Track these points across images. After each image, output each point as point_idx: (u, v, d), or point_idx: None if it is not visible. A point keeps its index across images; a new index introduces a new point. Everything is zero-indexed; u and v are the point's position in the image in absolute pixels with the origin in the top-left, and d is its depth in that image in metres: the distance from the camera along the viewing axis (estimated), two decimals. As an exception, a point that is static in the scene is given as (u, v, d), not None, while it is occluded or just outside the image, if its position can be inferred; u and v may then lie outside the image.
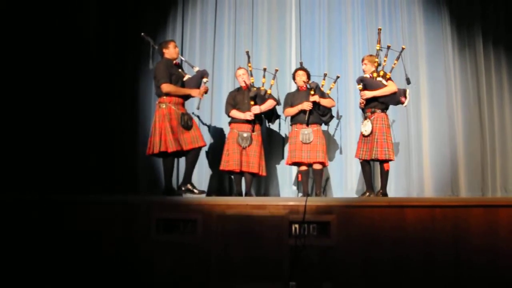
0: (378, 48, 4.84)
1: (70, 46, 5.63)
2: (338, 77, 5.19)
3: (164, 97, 4.46)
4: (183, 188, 4.52)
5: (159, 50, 4.64)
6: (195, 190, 4.53)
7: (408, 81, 4.83)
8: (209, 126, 5.90)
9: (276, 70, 5.17)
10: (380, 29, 4.97)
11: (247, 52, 5.22)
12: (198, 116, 5.70)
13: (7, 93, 5.13)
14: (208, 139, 5.79)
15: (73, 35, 5.67)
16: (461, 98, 5.92)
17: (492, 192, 5.68)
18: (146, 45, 4.86)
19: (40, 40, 5.43)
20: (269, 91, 5.03)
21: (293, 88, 5.35)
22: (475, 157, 5.79)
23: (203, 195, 4.74)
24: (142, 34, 4.84)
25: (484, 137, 5.80)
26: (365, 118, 4.77)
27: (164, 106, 4.43)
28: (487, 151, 5.76)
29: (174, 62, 4.66)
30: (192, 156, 4.55)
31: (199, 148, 4.58)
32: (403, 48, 4.96)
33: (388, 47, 4.89)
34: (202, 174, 5.80)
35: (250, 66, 5.15)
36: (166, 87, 4.42)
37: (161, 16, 6.10)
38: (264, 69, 5.14)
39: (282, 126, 5.44)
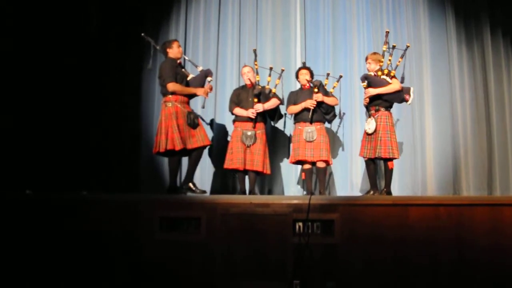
0: (384, 49, 4.82)
1: (72, 46, 5.63)
2: (341, 76, 5.17)
3: (170, 96, 4.47)
4: (184, 187, 4.54)
5: (163, 49, 4.65)
6: (197, 190, 4.54)
7: (402, 80, 4.80)
8: (212, 125, 5.89)
9: (282, 70, 5.16)
10: (388, 32, 4.94)
11: (254, 51, 5.20)
12: (199, 116, 5.71)
13: (9, 92, 5.13)
14: (211, 138, 5.79)
15: (75, 34, 5.67)
16: (469, 95, 5.88)
17: (501, 190, 5.62)
18: (147, 45, 4.86)
19: (42, 39, 5.43)
20: (273, 90, 5.03)
21: (298, 86, 5.34)
22: (483, 155, 5.76)
23: (205, 195, 4.74)
24: (142, 34, 4.85)
25: (492, 135, 5.75)
26: (369, 116, 4.75)
27: (170, 105, 4.45)
28: (495, 148, 5.71)
29: (178, 61, 4.67)
30: (195, 155, 4.56)
31: (204, 148, 4.59)
32: (407, 46, 4.94)
33: (394, 47, 4.87)
34: (205, 173, 5.81)
35: (256, 65, 5.13)
36: (172, 86, 4.43)
37: (164, 14, 6.11)
38: (271, 68, 5.13)
39: (287, 125, 5.43)
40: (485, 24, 5.93)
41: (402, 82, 4.78)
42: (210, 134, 5.74)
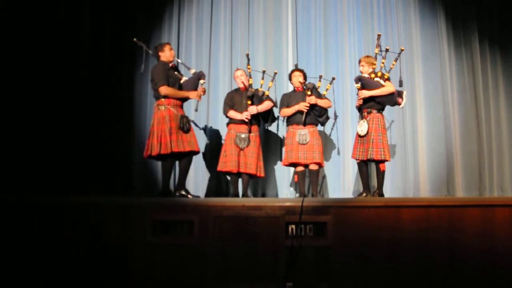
0: (376, 52, 4.85)
1: (64, 49, 5.59)
2: (333, 78, 5.19)
3: (163, 99, 4.46)
4: (177, 194, 4.52)
5: (155, 53, 4.65)
6: (189, 196, 4.53)
7: (400, 83, 4.83)
8: (205, 129, 5.89)
9: (275, 73, 5.18)
10: (380, 35, 4.97)
11: (247, 55, 5.20)
12: (193, 121, 5.72)
13: (3, 96, 5.10)
14: (204, 141, 5.81)
15: (68, 38, 5.64)
16: (458, 97, 5.95)
17: (490, 191, 5.69)
18: (139, 50, 4.87)
19: (34, 44, 5.38)
20: (266, 93, 5.04)
21: (290, 88, 5.36)
22: (472, 156, 5.82)
23: (198, 198, 4.73)
24: (135, 39, 4.85)
25: (481, 136, 5.82)
26: (362, 118, 4.78)
27: (163, 108, 4.44)
28: (484, 150, 5.78)
29: (170, 64, 4.67)
30: (185, 161, 4.55)
31: (193, 153, 4.57)
32: (401, 50, 4.97)
33: (387, 50, 4.90)
34: (199, 176, 5.80)
35: (249, 68, 5.14)
36: (164, 90, 4.42)
37: (156, 18, 6.10)
38: (263, 72, 5.14)
39: (280, 127, 5.45)
40: (473, 32, 6.00)
41: (400, 86, 4.81)
42: (203, 138, 5.76)
